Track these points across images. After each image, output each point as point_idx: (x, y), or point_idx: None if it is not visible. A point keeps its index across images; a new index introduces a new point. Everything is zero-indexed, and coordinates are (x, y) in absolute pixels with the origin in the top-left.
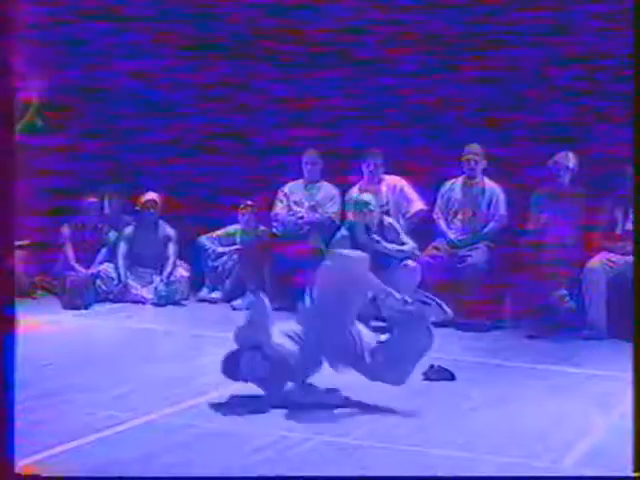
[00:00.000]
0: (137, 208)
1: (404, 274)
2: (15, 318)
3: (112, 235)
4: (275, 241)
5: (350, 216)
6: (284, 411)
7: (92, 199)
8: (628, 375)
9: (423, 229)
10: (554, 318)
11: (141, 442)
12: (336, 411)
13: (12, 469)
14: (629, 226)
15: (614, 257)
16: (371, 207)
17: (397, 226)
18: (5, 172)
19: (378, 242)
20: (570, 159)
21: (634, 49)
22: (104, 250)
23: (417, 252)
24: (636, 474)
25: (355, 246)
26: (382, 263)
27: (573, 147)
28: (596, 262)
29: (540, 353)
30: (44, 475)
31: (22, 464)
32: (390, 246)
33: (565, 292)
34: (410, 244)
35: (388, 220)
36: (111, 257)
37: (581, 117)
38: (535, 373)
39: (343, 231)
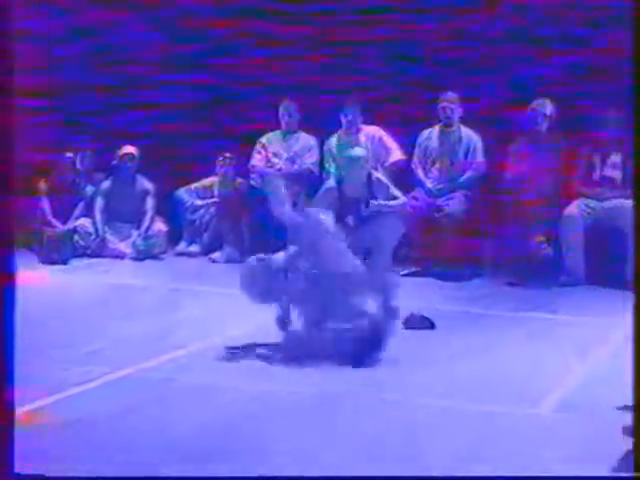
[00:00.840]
0: (114, 162)
1: (387, 225)
2: (15, 271)
3: (89, 189)
4: (253, 193)
5: (335, 168)
6: (262, 364)
7: (68, 154)
8: (605, 320)
9: (402, 178)
10: (532, 265)
11: (119, 396)
12: (315, 362)
13: (12, 469)
14: (607, 172)
15: (592, 203)
16: (362, 162)
17: (386, 180)
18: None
19: (368, 203)
20: (547, 106)
21: (634, 49)
22: (81, 204)
23: (406, 207)
24: (636, 474)
25: (343, 201)
26: (367, 216)
27: (550, 94)
28: (573, 208)
29: (519, 300)
30: (43, 475)
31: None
32: (381, 203)
33: (543, 239)
34: (401, 198)
35: (376, 175)
36: (88, 212)
37: (559, 64)
38: (514, 320)
39: (331, 183)
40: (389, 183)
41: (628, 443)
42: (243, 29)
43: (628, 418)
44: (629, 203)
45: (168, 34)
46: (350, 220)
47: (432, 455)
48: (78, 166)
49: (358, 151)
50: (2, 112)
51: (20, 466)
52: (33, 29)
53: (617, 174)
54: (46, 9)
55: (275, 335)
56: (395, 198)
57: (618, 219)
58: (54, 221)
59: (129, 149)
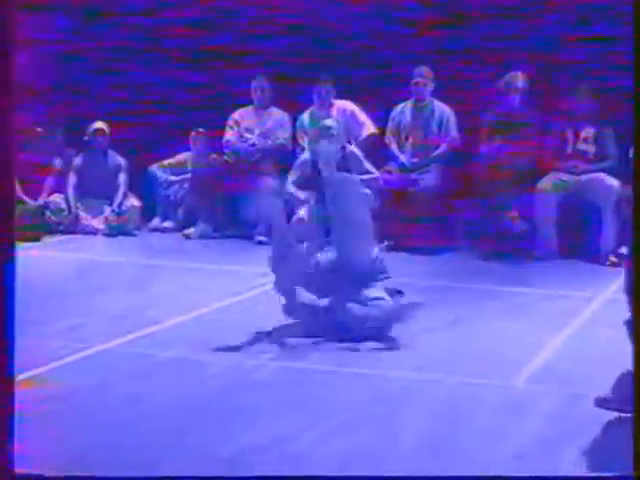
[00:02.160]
0: (85, 138)
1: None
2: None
3: (58, 163)
4: (226, 168)
5: (309, 142)
6: (239, 338)
7: (39, 129)
8: (578, 294)
9: (375, 153)
10: (507, 239)
11: (96, 371)
12: (290, 338)
13: (12, 470)
14: (579, 146)
15: (565, 177)
16: (334, 133)
17: (359, 154)
18: None
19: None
20: (519, 79)
21: (634, 49)
22: (50, 179)
23: (379, 182)
24: (636, 474)
25: (317, 173)
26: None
27: (523, 67)
28: (547, 182)
29: (493, 274)
30: (43, 475)
31: None
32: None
33: (517, 214)
34: (374, 173)
35: (350, 148)
36: (59, 187)
37: (533, 38)
38: (488, 294)
39: (305, 156)
40: (362, 157)
41: (601, 415)
42: (217, 5)
43: (600, 390)
44: (602, 177)
45: (138, 7)
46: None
47: (408, 428)
48: (49, 141)
49: (329, 122)
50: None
51: None
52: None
53: (590, 148)
54: None
55: (250, 310)
56: (368, 172)
57: (591, 193)
58: (25, 197)
59: (100, 125)
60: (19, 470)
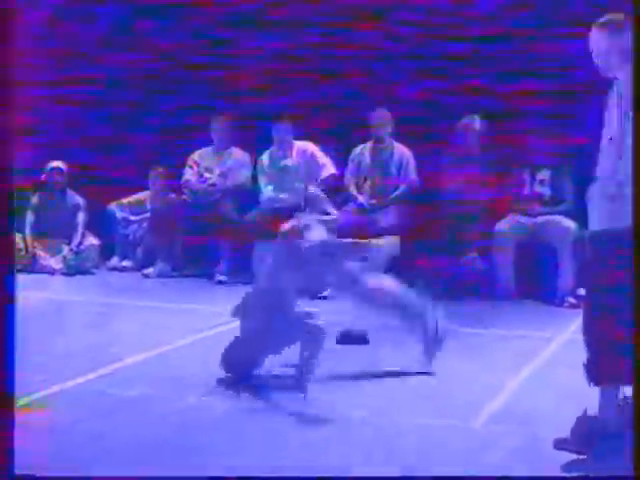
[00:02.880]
0: (42, 177)
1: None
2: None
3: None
4: (186, 209)
5: (268, 183)
6: (201, 376)
7: None
8: (537, 335)
9: (334, 194)
10: (465, 280)
11: (58, 411)
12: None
13: (12, 470)
14: (536, 188)
15: (522, 219)
16: (293, 172)
17: (321, 195)
18: None
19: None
20: (476, 122)
21: (634, 49)
22: None
23: (338, 221)
24: (636, 474)
25: (277, 212)
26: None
27: (480, 111)
28: (504, 224)
29: (452, 314)
30: (43, 476)
31: None
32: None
33: (476, 254)
34: (333, 214)
35: (311, 189)
36: (17, 226)
37: (489, 80)
38: (447, 334)
39: (265, 196)
40: (324, 198)
41: (560, 457)
42: (177, 42)
43: (559, 430)
44: (558, 219)
45: (94, 49)
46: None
47: (365, 469)
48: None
49: (289, 162)
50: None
51: None
52: None
53: (546, 190)
54: None
55: (212, 348)
56: (328, 213)
57: (548, 235)
58: None
59: (57, 163)
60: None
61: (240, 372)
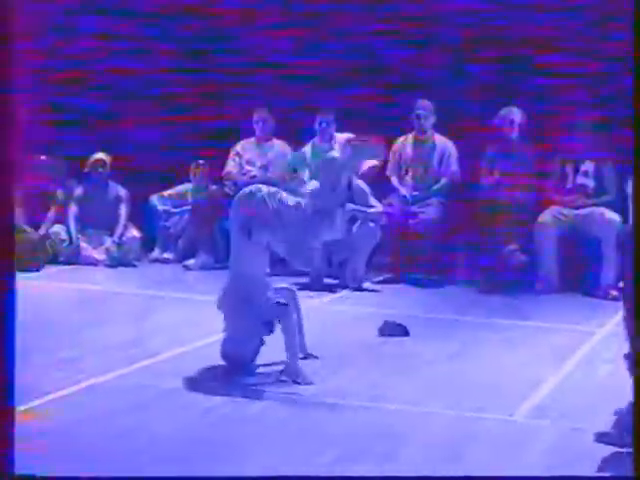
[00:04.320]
0: (86, 169)
1: (363, 234)
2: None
3: (59, 194)
4: (227, 200)
5: (310, 175)
6: (237, 372)
7: (42, 157)
8: (580, 328)
9: (376, 186)
10: (506, 273)
11: (96, 403)
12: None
13: (12, 470)
14: (579, 180)
15: (565, 211)
16: (338, 165)
17: (366, 188)
18: None
19: (343, 205)
20: (515, 113)
21: (634, 48)
22: (53, 209)
23: (383, 216)
24: (636, 474)
25: (320, 205)
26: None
27: (522, 102)
28: (547, 216)
29: (493, 308)
30: (43, 475)
31: None
32: (359, 209)
33: (516, 247)
34: (378, 207)
35: (356, 182)
36: (60, 217)
37: (533, 71)
38: (488, 327)
39: (312, 186)
40: (368, 190)
41: (601, 450)
42: (215, 36)
43: (600, 424)
44: (601, 211)
45: (141, 44)
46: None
47: (408, 460)
48: (51, 172)
49: (334, 154)
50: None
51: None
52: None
53: (590, 182)
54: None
55: None
56: (372, 206)
57: (591, 227)
58: (26, 227)
59: (100, 156)
60: (19, 471)
61: (236, 365)
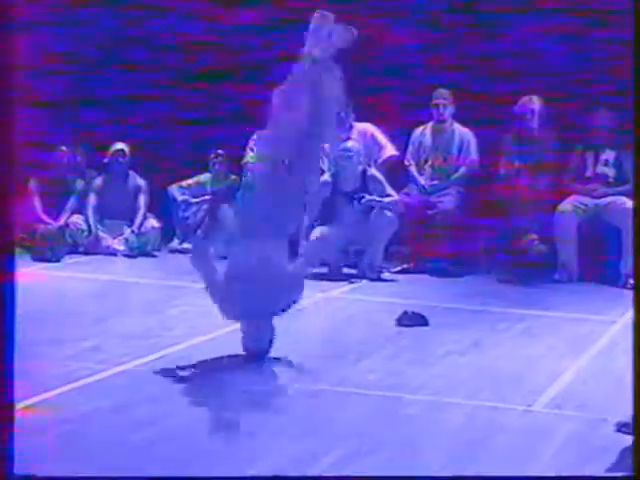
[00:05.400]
0: (105, 159)
1: (380, 223)
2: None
3: (79, 184)
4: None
5: (329, 164)
6: (257, 361)
7: (62, 148)
8: (598, 317)
9: (394, 175)
10: (525, 262)
11: (116, 392)
12: (308, 358)
13: (11, 470)
14: (599, 169)
15: (585, 200)
16: (355, 156)
17: (381, 178)
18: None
19: (362, 197)
20: (535, 102)
21: (634, 48)
22: (72, 199)
23: (400, 205)
24: (636, 474)
25: (337, 196)
26: (360, 213)
27: (541, 91)
28: (566, 205)
29: (512, 297)
30: (43, 475)
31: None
32: (375, 199)
33: (535, 236)
34: (394, 196)
35: (371, 171)
36: (79, 207)
37: (549, 61)
38: (507, 317)
39: (325, 177)
40: (383, 180)
41: (622, 440)
42: (238, 28)
43: (620, 414)
44: (622, 200)
45: (161, 31)
46: (345, 215)
47: (427, 451)
48: (70, 162)
49: (350, 144)
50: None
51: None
52: (29, 25)
53: (610, 171)
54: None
55: None
56: (389, 195)
57: (611, 216)
58: (46, 218)
59: (120, 146)
60: (19, 471)
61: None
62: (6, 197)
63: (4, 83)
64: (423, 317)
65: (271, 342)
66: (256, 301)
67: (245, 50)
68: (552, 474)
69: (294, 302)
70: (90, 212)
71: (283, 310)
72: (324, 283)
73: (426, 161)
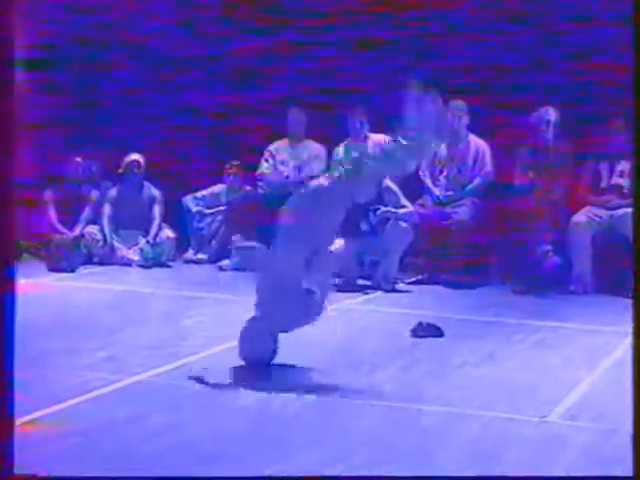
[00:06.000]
0: (120, 170)
1: (395, 234)
2: (15, 278)
3: (94, 194)
4: (261, 201)
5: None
6: (272, 371)
7: (77, 159)
8: (612, 329)
9: (409, 186)
10: (540, 274)
11: (131, 403)
12: (323, 369)
13: (11, 472)
14: (614, 180)
15: (599, 212)
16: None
17: (396, 189)
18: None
19: (377, 209)
20: (550, 113)
21: (634, 48)
22: (87, 210)
23: (415, 216)
24: (636, 474)
25: (352, 207)
26: (375, 224)
27: (557, 102)
28: (581, 217)
29: (527, 309)
30: (43, 475)
31: (18, 423)
32: (391, 210)
33: (550, 247)
34: (410, 207)
35: (387, 182)
36: (95, 217)
37: (564, 72)
38: (522, 328)
39: None
40: (399, 191)
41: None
42: (249, 38)
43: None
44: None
45: (174, 42)
46: (361, 226)
47: (442, 461)
48: (85, 173)
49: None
50: (2, 116)
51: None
52: (37, 30)
53: (625, 182)
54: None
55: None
56: (404, 206)
57: (626, 228)
58: (61, 228)
59: (135, 156)
60: (18, 471)
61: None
62: (6, 206)
63: (4, 92)
64: (438, 328)
65: (275, 352)
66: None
67: (261, 63)
68: (557, 475)
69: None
70: (105, 222)
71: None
72: (338, 294)
73: (441, 172)
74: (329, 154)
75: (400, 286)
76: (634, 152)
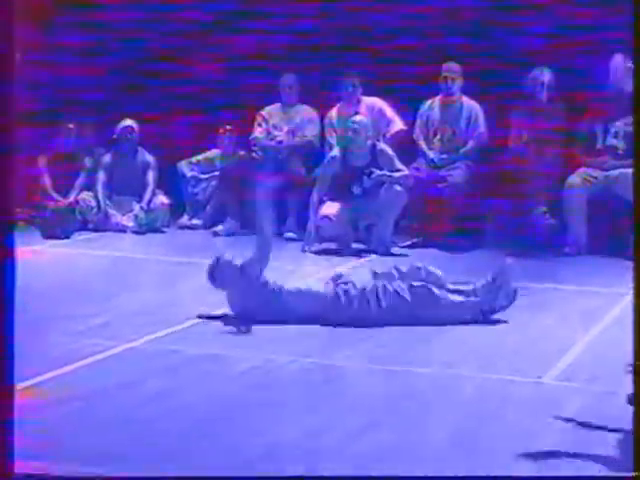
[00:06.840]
0: (114, 136)
1: (390, 197)
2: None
3: (88, 161)
4: (254, 165)
5: (337, 139)
6: (268, 334)
7: (70, 126)
8: (608, 290)
9: (403, 149)
10: (535, 236)
11: (126, 369)
12: (320, 334)
13: (11, 470)
14: (609, 141)
15: (594, 172)
16: (364, 130)
17: (390, 152)
18: None
19: (371, 172)
20: (545, 75)
21: (634, 47)
22: (81, 176)
23: (410, 179)
24: (636, 474)
25: (346, 170)
26: (369, 187)
27: (550, 63)
28: (576, 178)
29: (521, 271)
30: (43, 475)
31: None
32: (385, 173)
33: (545, 209)
34: (404, 170)
35: (381, 146)
36: (89, 184)
37: (558, 32)
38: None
39: (335, 152)
40: (393, 154)
41: (631, 412)
42: (244, 2)
43: (631, 387)
44: (631, 172)
45: (168, 7)
46: (354, 189)
47: (437, 424)
48: (78, 139)
49: (359, 119)
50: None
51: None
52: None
53: (620, 143)
54: None
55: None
56: (399, 170)
57: (621, 188)
58: (55, 195)
59: (129, 122)
60: (19, 470)
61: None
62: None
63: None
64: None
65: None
66: None
67: (253, 29)
68: (557, 475)
69: None
70: (99, 189)
71: None
72: (333, 258)
73: (435, 135)
74: (322, 118)
75: (395, 249)
76: (634, 152)
